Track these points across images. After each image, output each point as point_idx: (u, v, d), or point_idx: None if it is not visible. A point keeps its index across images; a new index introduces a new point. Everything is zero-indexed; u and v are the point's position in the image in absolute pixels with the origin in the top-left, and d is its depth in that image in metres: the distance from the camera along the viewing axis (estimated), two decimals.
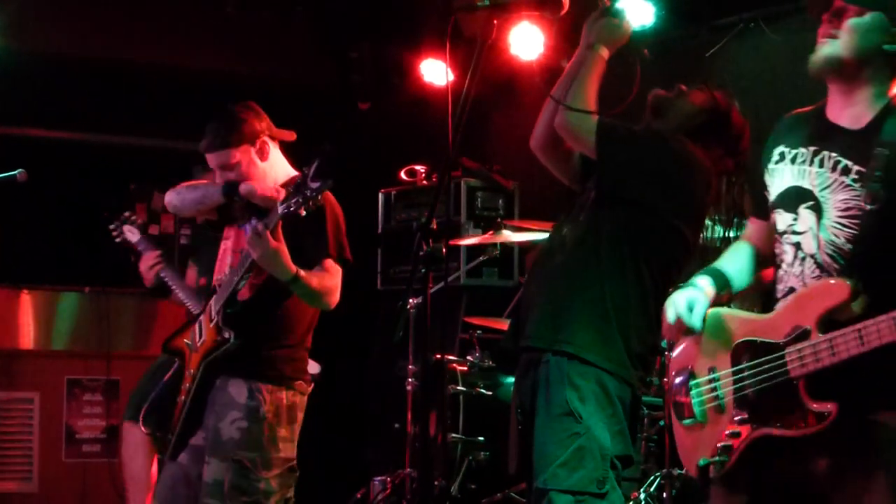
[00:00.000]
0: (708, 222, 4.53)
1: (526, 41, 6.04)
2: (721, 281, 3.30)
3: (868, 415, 2.93)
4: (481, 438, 6.07)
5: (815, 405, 2.91)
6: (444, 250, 3.46)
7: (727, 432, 3.09)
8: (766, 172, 3.27)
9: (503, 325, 6.10)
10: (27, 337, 7.38)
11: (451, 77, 3.55)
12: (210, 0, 7.71)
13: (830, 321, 2.92)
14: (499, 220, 6.59)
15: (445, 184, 3.53)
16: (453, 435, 6.00)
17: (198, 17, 7.77)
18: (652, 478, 5.28)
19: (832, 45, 3.08)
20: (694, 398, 3.22)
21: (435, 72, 7.14)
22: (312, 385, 4.42)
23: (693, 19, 5.77)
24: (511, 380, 6.04)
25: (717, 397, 3.15)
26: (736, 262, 3.38)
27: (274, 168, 4.49)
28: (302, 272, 4.15)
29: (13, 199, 6.06)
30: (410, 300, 5.63)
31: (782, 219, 3.18)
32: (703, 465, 3.17)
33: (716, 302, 3.30)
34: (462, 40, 3.83)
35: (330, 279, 4.28)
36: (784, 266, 3.16)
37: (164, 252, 5.69)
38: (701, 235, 4.09)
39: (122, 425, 5.94)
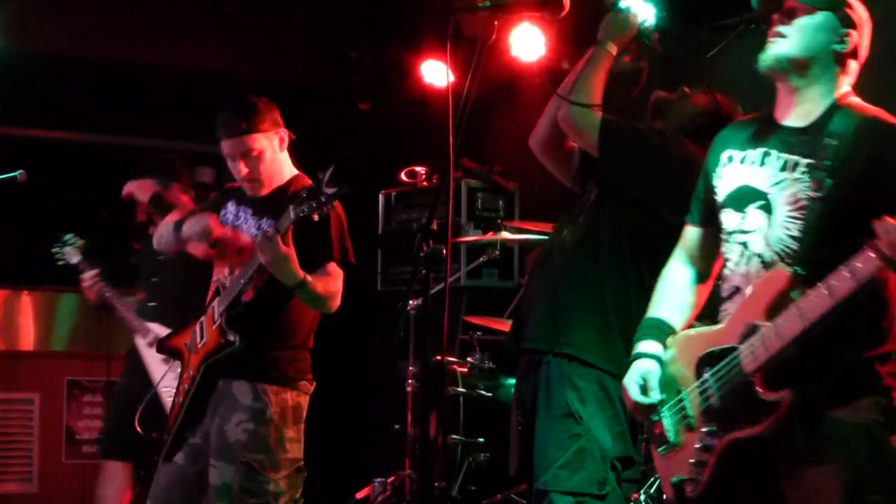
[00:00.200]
0: None
1: (526, 42, 6.04)
2: (665, 332, 3.31)
3: (821, 411, 2.93)
4: (481, 440, 6.06)
5: (770, 395, 2.90)
6: (445, 251, 3.45)
7: (697, 446, 3.07)
8: (714, 176, 3.28)
9: (503, 325, 6.10)
10: (27, 338, 7.38)
11: (452, 78, 3.54)
12: (210, 0, 7.71)
13: (778, 311, 2.92)
14: (499, 220, 6.58)
15: (446, 185, 3.52)
16: (453, 436, 5.99)
17: (198, 18, 7.77)
18: (652, 479, 5.27)
19: (781, 44, 3.11)
20: (666, 423, 3.21)
21: (435, 73, 7.14)
22: (314, 384, 4.42)
23: (694, 20, 5.75)
24: (511, 381, 6.05)
25: (686, 416, 3.14)
26: (674, 298, 3.38)
27: (287, 163, 4.48)
28: (309, 277, 4.14)
29: (13, 200, 6.06)
30: (410, 301, 5.62)
31: (730, 218, 3.19)
32: (675, 483, 3.14)
33: None
34: (462, 41, 3.82)
35: (333, 283, 4.27)
36: (730, 265, 3.17)
37: (103, 271, 5.84)
38: None
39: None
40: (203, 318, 4.40)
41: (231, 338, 4.20)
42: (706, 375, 3.08)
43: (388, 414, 6.76)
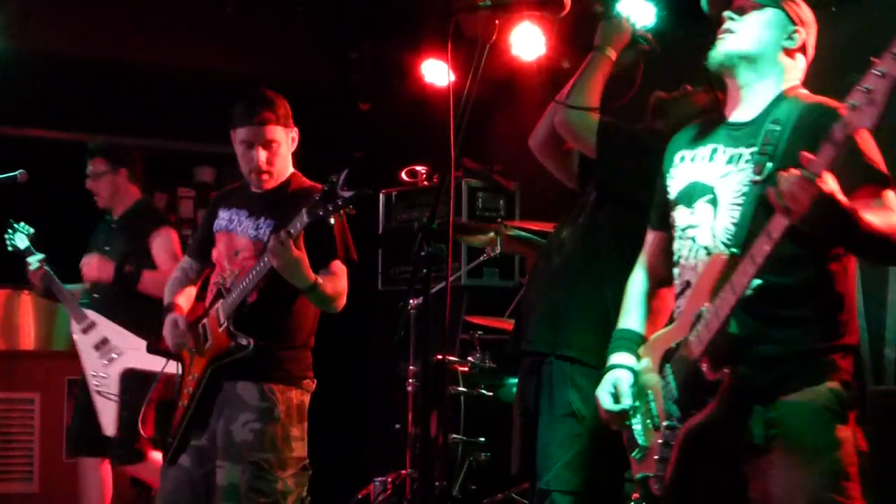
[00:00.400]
0: None
1: (527, 42, 6.02)
2: (636, 342, 3.33)
3: (773, 396, 2.94)
4: (482, 439, 6.06)
5: (713, 375, 2.91)
6: (446, 250, 3.45)
7: (660, 442, 3.07)
8: (668, 177, 3.30)
9: (504, 325, 6.10)
10: (28, 338, 7.37)
11: (453, 77, 3.54)
12: (210, 0, 7.71)
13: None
14: (499, 220, 6.58)
15: (447, 184, 3.52)
16: (454, 435, 5.99)
17: (198, 18, 7.77)
18: None
19: (731, 40, 3.14)
20: (636, 428, 3.22)
21: (436, 72, 7.13)
22: (315, 383, 4.42)
23: (694, 19, 5.75)
24: (512, 380, 6.06)
25: (652, 416, 3.15)
26: (640, 308, 3.41)
27: (290, 162, 4.50)
28: (319, 279, 4.15)
29: (13, 199, 6.05)
30: (411, 300, 5.62)
31: (681, 215, 3.21)
32: (640, 479, 3.14)
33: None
34: (463, 41, 3.82)
35: (339, 282, 4.28)
36: (681, 261, 3.18)
37: (48, 258, 5.91)
38: None
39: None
40: (205, 321, 4.38)
41: (244, 342, 4.20)
42: (666, 373, 3.10)
43: (389, 413, 6.75)
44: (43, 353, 7.42)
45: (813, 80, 3.27)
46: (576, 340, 3.83)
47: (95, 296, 5.90)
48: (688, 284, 3.13)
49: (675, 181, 3.27)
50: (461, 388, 6.06)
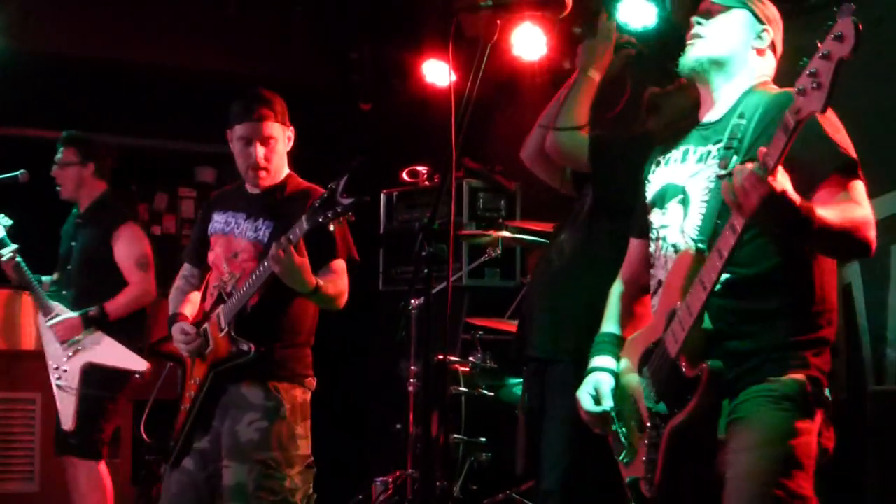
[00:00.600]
0: None
1: (528, 41, 6.03)
2: (618, 346, 3.33)
3: (738, 388, 2.93)
4: (483, 439, 6.06)
5: (691, 372, 2.89)
6: (447, 251, 3.45)
7: (646, 443, 3.05)
8: (647, 183, 3.31)
9: (505, 325, 6.10)
10: (28, 337, 7.36)
11: (454, 78, 3.54)
12: (211, 0, 7.71)
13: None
14: (500, 220, 6.58)
15: (448, 184, 3.52)
16: (455, 436, 5.99)
17: (199, 18, 7.77)
18: None
19: (701, 45, 3.14)
20: (622, 430, 3.21)
21: (436, 72, 7.14)
22: (316, 381, 4.42)
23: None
24: (513, 380, 6.07)
25: (636, 417, 3.14)
26: (621, 313, 3.41)
27: (286, 162, 4.50)
28: (321, 282, 4.15)
29: (14, 199, 6.05)
30: (412, 300, 5.62)
31: (655, 217, 3.22)
32: (630, 483, 3.13)
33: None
34: (464, 41, 3.81)
35: (339, 281, 4.29)
36: (654, 261, 3.19)
37: (20, 248, 5.87)
38: None
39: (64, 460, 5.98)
40: (207, 325, 4.38)
41: (245, 347, 4.21)
42: (644, 374, 3.09)
43: (389, 413, 6.76)
44: (43, 353, 7.40)
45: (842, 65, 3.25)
46: (578, 345, 3.83)
47: (64, 292, 5.85)
48: (660, 283, 3.13)
49: (652, 186, 3.28)
50: (462, 389, 6.06)
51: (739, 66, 3.14)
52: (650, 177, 3.30)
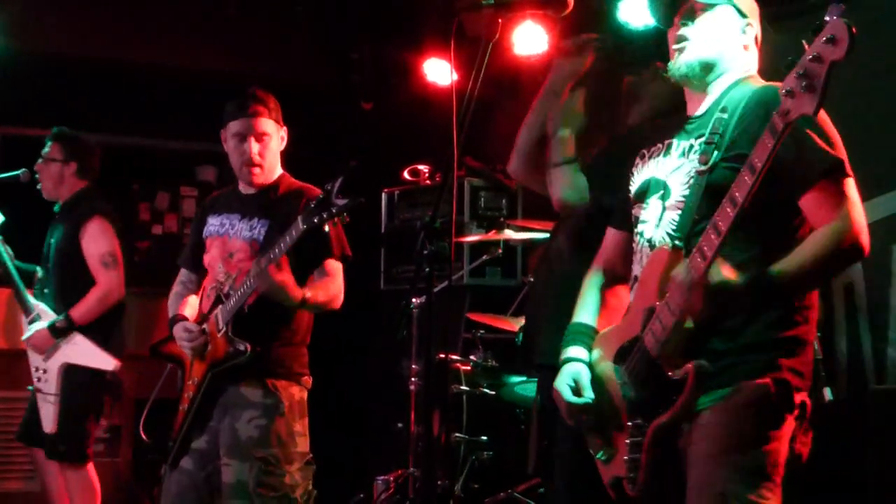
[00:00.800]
0: None
1: (530, 40, 6.03)
2: (590, 336, 3.26)
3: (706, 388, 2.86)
4: (484, 438, 6.06)
5: (676, 374, 2.84)
6: (448, 249, 3.45)
7: (627, 442, 2.99)
8: (631, 176, 3.27)
9: (507, 324, 6.10)
10: None
11: (455, 76, 3.54)
12: (211, 0, 7.71)
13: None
14: (502, 219, 6.58)
15: (449, 183, 3.52)
16: (456, 434, 5.99)
17: (199, 18, 7.78)
18: None
19: (689, 48, 3.08)
20: (596, 425, 3.15)
21: (438, 71, 7.14)
22: (312, 381, 4.44)
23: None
24: (514, 378, 6.07)
25: (613, 414, 3.08)
26: (595, 303, 3.35)
27: (279, 162, 4.51)
28: (308, 293, 4.18)
29: (16, 199, 6.06)
30: (413, 299, 5.62)
31: (637, 212, 3.17)
32: (612, 483, 3.08)
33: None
34: (465, 39, 3.81)
35: (333, 283, 4.31)
36: (633, 256, 3.15)
37: (4, 238, 5.89)
38: None
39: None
40: (205, 326, 4.39)
41: (242, 347, 4.23)
42: (621, 371, 3.04)
43: (391, 412, 6.76)
44: None
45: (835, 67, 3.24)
46: None
47: (46, 290, 5.84)
48: (636, 279, 3.10)
49: (635, 180, 3.24)
50: (463, 387, 6.06)
51: (728, 64, 3.09)
52: (634, 170, 3.26)
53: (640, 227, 3.13)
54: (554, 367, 3.94)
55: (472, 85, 3.47)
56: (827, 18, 2.47)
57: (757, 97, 2.96)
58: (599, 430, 3.14)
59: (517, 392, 6.07)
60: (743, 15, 3.11)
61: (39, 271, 5.91)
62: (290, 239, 4.03)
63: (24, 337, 5.74)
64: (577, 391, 3.17)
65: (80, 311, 5.60)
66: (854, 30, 2.43)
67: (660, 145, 3.17)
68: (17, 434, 5.96)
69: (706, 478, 2.85)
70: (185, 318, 4.45)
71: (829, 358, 4.84)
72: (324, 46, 8.25)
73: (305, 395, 4.39)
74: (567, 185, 3.98)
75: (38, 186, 5.86)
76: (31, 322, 5.74)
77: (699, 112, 3.11)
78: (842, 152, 2.88)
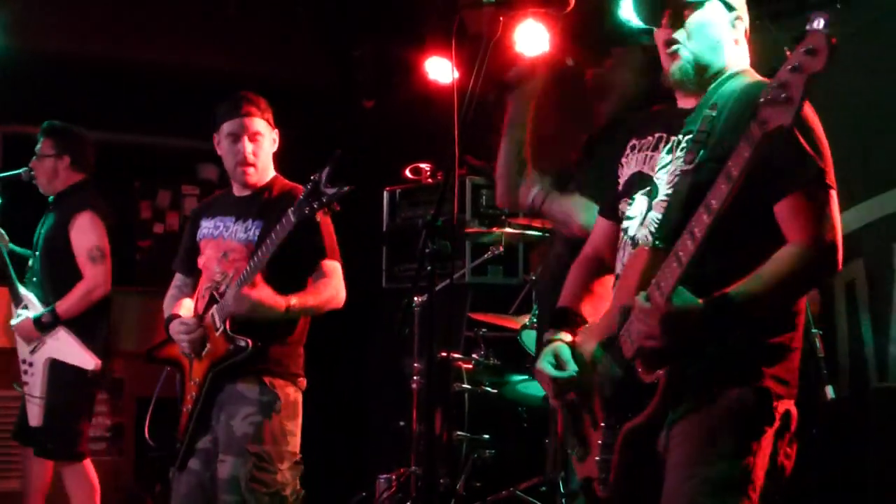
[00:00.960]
0: None
1: (531, 38, 6.02)
2: (575, 322, 3.17)
3: (682, 394, 2.78)
4: (486, 436, 6.06)
5: (648, 377, 2.77)
6: (450, 248, 3.46)
7: (599, 443, 2.92)
8: (619, 167, 3.18)
9: (509, 322, 6.10)
10: None
11: (457, 75, 3.54)
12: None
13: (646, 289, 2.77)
14: (503, 217, 6.58)
15: (451, 182, 3.53)
16: (458, 432, 6.00)
17: (201, 17, 7.78)
18: None
19: (684, 53, 2.98)
20: (575, 416, 3.08)
21: (439, 69, 7.13)
22: (306, 382, 4.45)
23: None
24: (516, 377, 6.07)
25: (590, 413, 3.01)
26: (581, 289, 3.26)
27: (271, 163, 4.53)
28: (293, 300, 4.22)
29: (17, 198, 6.06)
30: (416, 298, 5.63)
31: (623, 207, 3.10)
32: (582, 484, 3.01)
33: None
34: (466, 38, 3.81)
35: (329, 284, 4.33)
36: (619, 254, 3.09)
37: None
38: None
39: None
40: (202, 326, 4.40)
41: (242, 343, 4.24)
42: (598, 369, 2.96)
43: (393, 411, 6.76)
44: None
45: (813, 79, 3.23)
46: None
47: (35, 279, 5.83)
48: (618, 276, 3.04)
49: (623, 172, 3.15)
50: (465, 386, 6.06)
51: (721, 62, 2.99)
52: (623, 160, 3.17)
53: (625, 224, 3.06)
54: None
55: (474, 83, 3.47)
56: (808, 28, 2.43)
57: (746, 94, 2.88)
58: (575, 426, 3.06)
59: (519, 390, 6.08)
60: (731, 8, 3.02)
61: (31, 259, 5.90)
62: (282, 232, 4.05)
63: (12, 322, 5.72)
64: (559, 366, 3.06)
65: (65, 305, 5.58)
66: (834, 41, 2.39)
67: (650, 138, 3.09)
68: (13, 433, 5.95)
69: (676, 488, 2.77)
70: (180, 317, 4.47)
71: (831, 356, 4.84)
72: (324, 45, 8.25)
73: (300, 396, 4.40)
74: (581, 210, 3.97)
75: (34, 182, 5.84)
76: (21, 310, 5.71)
77: (690, 105, 3.03)
78: (826, 160, 2.81)
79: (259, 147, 4.43)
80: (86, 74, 7.61)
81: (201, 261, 4.51)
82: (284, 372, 4.35)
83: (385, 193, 7.50)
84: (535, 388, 5.88)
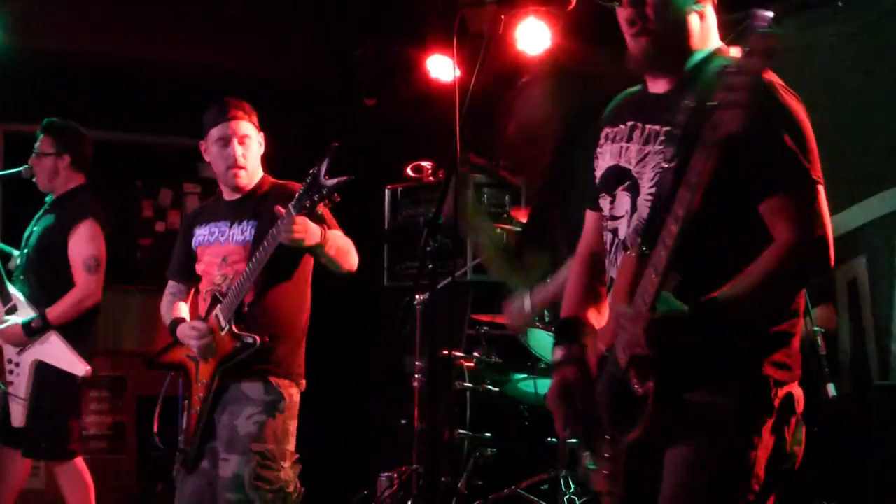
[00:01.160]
0: None
1: (533, 36, 6.03)
2: (581, 331, 3.02)
3: (679, 393, 2.67)
4: (488, 434, 6.06)
5: (640, 389, 2.66)
6: (451, 246, 3.45)
7: (606, 456, 2.83)
8: (595, 158, 3.02)
9: None
10: None
11: (458, 73, 3.54)
12: None
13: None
14: (505, 215, 6.58)
15: (452, 180, 3.52)
16: (460, 431, 6.00)
17: (201, 16, 7.78)
18: None
19: (647, 34, 2.78)
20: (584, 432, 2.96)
21: (440, 68, 7.14)
22: (305, 383, 4.46)
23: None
24: (518, 376, 6.07)
25: (598, 425, 2.88)
26: (581, 293, 3.10)
27: (259, 165, 4.54)
28: (328, 233, 4.20)
29: (19, 197, 6.06)
30: (417, 296, 5.62)
31: (604, 203, 2.94)
32: (599, 495, 2.90)
33: None
34: (468, 35, 3.81)
35: (345, 238, 4.34)
36: (608, 255, 2.93)
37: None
38: None
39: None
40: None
41: (250, 340, 4.25)
42: (602, 379, 2.86)
43: (394, 409, 6.77)
44: None
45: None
46: None
47: (22, 277, 5.80)
48: (612, 281, 2.88)
49: (599, 164, 2.99)
50: (467, 384, 6.06)
51: (687, 39, 2.80)
52: (598, 150, 3.01)
53: (611, 224, 2.90)
54: None
55: (475, 81, 3.47)
56: (750, 27, 2.38)
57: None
58: (587, 440, 2.94)
59: (521, 388, 6.08)
60: None
61: (18, 256, 5.88)
62: (294, 209, 4.06)
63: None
64: (569, 397, 2.93)
65: (56, 312, 5.56)
66: (773, 41, 2.34)
67: (623, 127, 2.92)
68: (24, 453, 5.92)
69: (672, 487, 2.70)
70: (184, 320, 4.47)
71: (833, 353, 4.84)
72: (325, 44, 8.25)
73: (299, 398, 4.42)
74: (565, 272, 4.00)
75: (34, 180, 5.83)
76: (7, 312, 5.68)
77: (662, 90, 2.86)
78: (812, 154, 2.67)
79: (248, 149, 4.45)
80: (87, 73, 7.62)
81: (200, 267, 4.53)
82: (288, 372, 4.36)
83: (386, 191, 7.51)
84: (536, 387, 5.88)
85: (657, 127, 2.81)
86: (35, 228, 5.77)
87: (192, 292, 4.67)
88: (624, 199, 2.86)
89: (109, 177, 7.72)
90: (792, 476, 2.79)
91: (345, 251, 4.33)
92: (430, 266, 3.42)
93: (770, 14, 2.38)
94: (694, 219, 2.55)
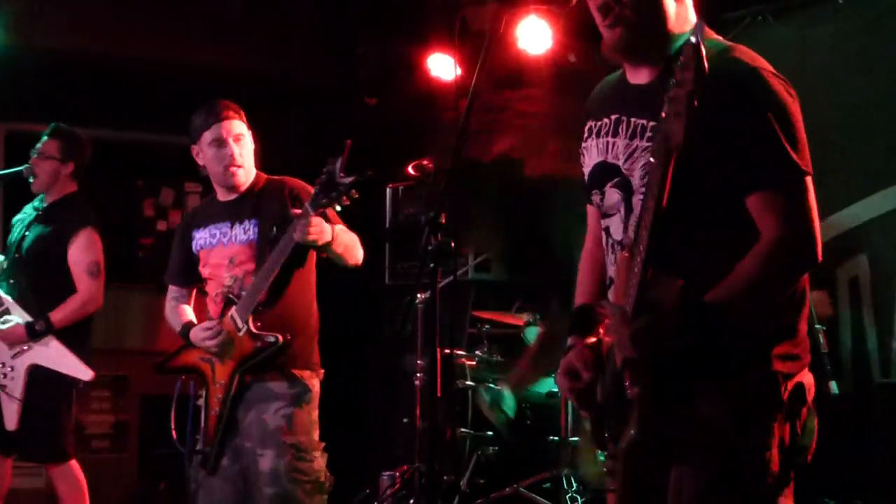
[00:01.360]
0: None
1: (534, 35, 6.03)
2: (594, 320, 2.87)
3: (676, 399, 2.60)
4: (490, 433, 6.06)
5: (630, 392, 2.58)
6: (453, 245, 3.45)
7: (609, 452, 2.76)
8: (581, 154, 2.93)
9: (511, 319, 6.10)
10: None
11: (459, 71, 3.54)
12: None
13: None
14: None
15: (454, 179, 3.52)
16: (462, 429, 6.00)
17: (203, 15, 7.78)
18: None
19: (619, 21, 2.67)
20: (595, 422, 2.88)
21: (442, 66, 7.14)
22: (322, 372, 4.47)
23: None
24: None
25: (602, 422, 2.82)
26: (595, 281, 3.02)
27: (253, 164, 4.55)
28: (336, 227, 4.22)
29: (20, 196, 6.06)
30: (419, 294, 5.63)
31: (596, 199, 2.86)
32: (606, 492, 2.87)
33: None
34: (469, 34, 3.81)
35: (351, 233, 4.35)
36: (607, 256, 2.87)
37: None
38: None
39: None
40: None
41: (272, 339, 4.26)
42: (607, 373, 2.76)
43: (396, 408, 6.77)
44: None
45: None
46: None
47: (12, 281, 5.79)
48: (611, 282, 2.83)
49: (586, 160, 2.89)
50: (469, 383, 6.06)
51: (665, 23, 2.69)
52: (584, 145, 2.90)
53: (605, 223, 2.84)
54: None
55: (476, 80, 3.47)
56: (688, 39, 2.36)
57: (713, 73, 2.44)
58: (596, 432, 2.85)
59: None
60: None
61: (2, 261, 5.86)
62: (308, 210, 4.07)
63: None
64: (579, 373, 2.81)
65: (59, 315, 5.56)
66: (701, 51, 2.32)
67: (606, 120, 2.81)
68: (20, 456, 5.92)
69: (686, 491, 2.65)
70: (194, 323, 4.48)
71: (834, 351, 4.85)
72: (326, 43, 8.25)
73: (319, 387, 4.43)
74: None
75: (31, 179, 5.82)
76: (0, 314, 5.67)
77: (644, 80, 2.76)
78: (800, 145, 2.58)
79: (243, 148, 4.44)
80: (88, 72, 7.61)
81: (206, 270, 4.51)
82: (307, 363, 4.38)
83: (388, 190, 7.50)
84: (538, 385, 5.88)
85: (643, 121, 2.71)
86: (28, 234, 5.76)
87: (194, 295, 4.67)
88: (613, 195, 2.79)
89: (110, 176, 7.74)
90: (804, 471, 2.75)
91: (351, 247, 4.35)
92: (432, 265, 3.43)
93: (702, 23, 2.37)
94: (680, 213, 2.51)
